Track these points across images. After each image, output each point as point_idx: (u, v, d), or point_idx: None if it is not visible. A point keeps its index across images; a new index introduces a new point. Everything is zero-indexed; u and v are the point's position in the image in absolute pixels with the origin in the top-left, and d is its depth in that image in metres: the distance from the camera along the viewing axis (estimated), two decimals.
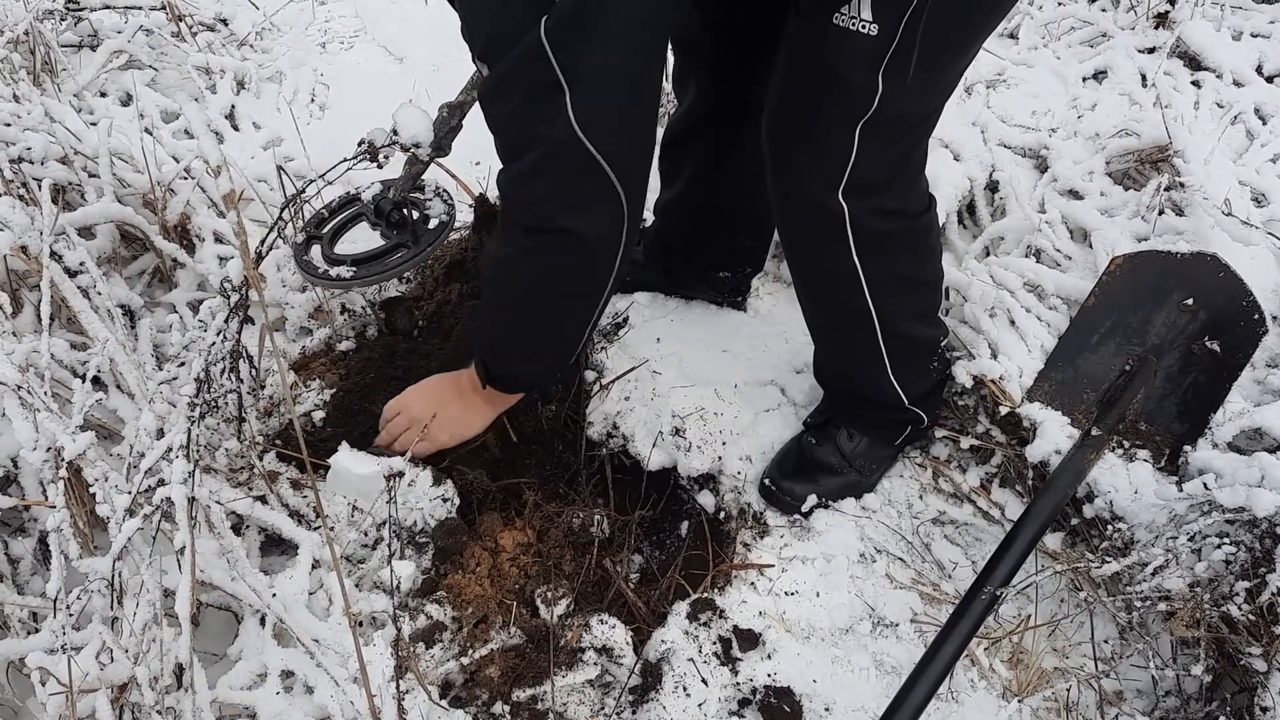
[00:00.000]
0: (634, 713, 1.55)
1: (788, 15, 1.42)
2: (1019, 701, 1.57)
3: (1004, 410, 1.83)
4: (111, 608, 1.33)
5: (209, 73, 2.78)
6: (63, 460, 1.40)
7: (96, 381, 1.64)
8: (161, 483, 1.38)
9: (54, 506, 1.36)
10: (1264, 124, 2.34)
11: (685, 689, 1.56)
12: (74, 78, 2.51)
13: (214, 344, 1.51)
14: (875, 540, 1.80)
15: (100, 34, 2.79)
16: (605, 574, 1.74)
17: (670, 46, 1.71)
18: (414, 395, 1.74)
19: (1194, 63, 2.57)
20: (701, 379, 2.00)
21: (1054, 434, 1.76)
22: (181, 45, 2.83)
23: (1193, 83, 2.49)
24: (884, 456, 1.87)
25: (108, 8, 2.86)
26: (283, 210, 1.66)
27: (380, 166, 1.64)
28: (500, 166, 1.37)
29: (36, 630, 1.43)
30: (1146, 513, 1.64)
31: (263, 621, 1.48)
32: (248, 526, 1.68)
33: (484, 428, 1.75)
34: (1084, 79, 2.59)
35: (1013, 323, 1.94)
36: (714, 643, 1.62)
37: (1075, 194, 2.21)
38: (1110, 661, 1.64)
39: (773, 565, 1.74)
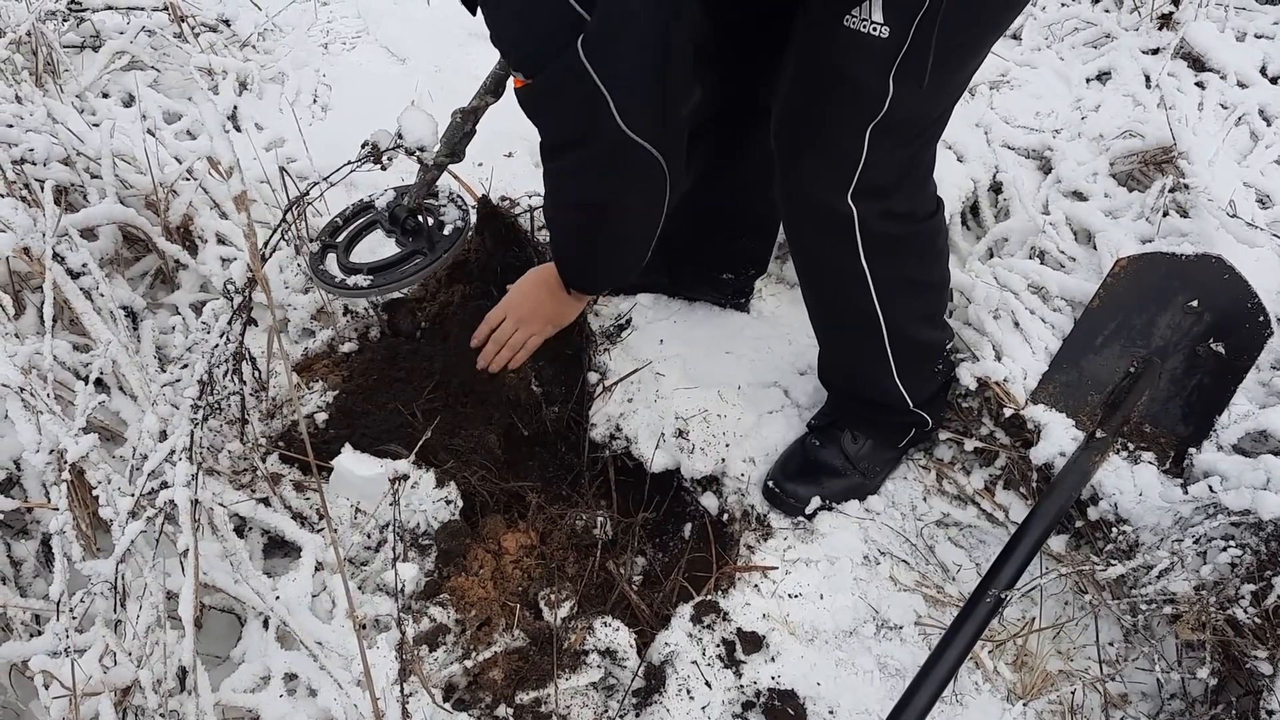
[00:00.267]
0: (637, 715, 1.54)
1: (796, 17, 1.41)
2: (1024, 705, 1.57)
3: (1008, 412, 1.83)
4: (115, 610, 1.33)
5: (211, 73, 2.78)
6: (65, 463, 1.40)
7: (99, 383, 1.64)
8: (164, 485, 1.38)
9: (57, 509, 1.36)
10: (1268, 125, 2.34)
11: (689, 692, 1.55)
12: (76, 79, 2.51)
13: (217, 346, 1.50)
14: (879, 542, 1.80)
15: (102, 35, 2.79)
16: (608, 576, 1.74)
17: None
18: (517, 298, 1.84)
19: (1198, 64, 2.56)
20: (705, 380, 1.99)
21: (1058, 436, 1.76)
22: (184, 46, 2.83)
23: (1197, 84, 2.49)
24: (888, 459, 1.87)
25: (110, 8, 2.86)
26: (286, 212, 1.66)
27: (384, 169, 1.64)
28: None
29: (39, 633, 1.42)
30: (1151, 515, 1.64)
31: (266, 624, 1.48)
32: (250, 529, 1.67)
33: (576, 313, 1.87)
34: (1087, 80, 2.59)
35: (1017, 324, 1.94)
36: (718, 645, 1.61)
37: (1079, 195, 2.20)
38: (1115, 664, 1.63)
39: (776, 567, 1.74)
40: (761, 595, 1.70)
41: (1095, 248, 2.04)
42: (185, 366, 1.64)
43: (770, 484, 1.82)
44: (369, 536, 1.70)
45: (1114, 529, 1.66)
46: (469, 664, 1.53)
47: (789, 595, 1.70)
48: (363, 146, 1.63)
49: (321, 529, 1.70)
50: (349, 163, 1.63)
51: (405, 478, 1.67)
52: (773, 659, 1.60)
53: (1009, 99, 2.53)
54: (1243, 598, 1.47)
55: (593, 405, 1.97)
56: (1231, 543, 1.50)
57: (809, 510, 1.80)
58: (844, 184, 1.43)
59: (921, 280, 1.66)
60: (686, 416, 1.93)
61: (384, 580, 1.62)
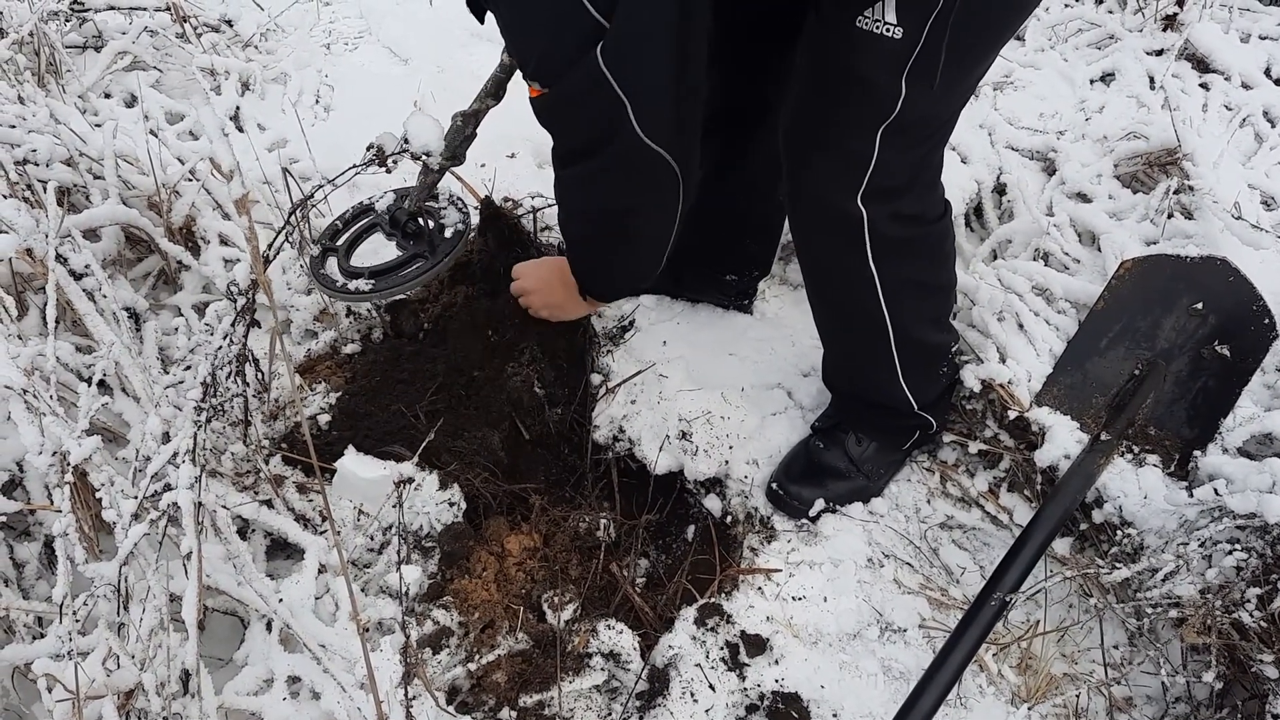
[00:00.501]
0: (641, 718, 1.54)
1: (806, 18, 1.41)
2: (1028, 708, 1.56)
3: (1012, 414, 1.82)
4: (118, 613, 1.32)
5: (214, 74, 2.77)
6: (68, 465, 1.39)
7: (102, 385, 1.64)
8: (168, 487, 1.38)
9: (60, 511, 1.36)
10: (1273, 127, 2.34)
11: (693, 695, 1.55)
12: (78, 79, 2.50)
13: (220, 348, 1.50)
14: (883, 545, 1.79)
15: (105, 35, 2.79)
16: (612, 579, 1.73)
17: None
18: (533, 269, 1.87)
19: (1202, 65, 2.56)
20: (708, 382, 1.99)
21: (1063, 438, 1.76)
22: (186, 46, 2.82)
23: (1201, 85, 2.49)
24: (892, 461, 1.86)
25: (112, 9, 2.85)
26: (291, 214, 1.65)
27: (389, 171, 1.64)
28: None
29: (41, 635, 1.42)
30: (1156, 518, 1.63)
31: (269, 627, 1.48)
32: (253, 530, 1.67)
33: (580, 315, 1.90)
34: (1091, 81, 2.59)
35: (1021, 326, 1.94)
36: (721, 648, 1.61)
37: (1083, 197, 2.20)
38: (1120, 668, 1.63)
39: (780, 570, 1.73)
40: (765, 598, 1.70)
41: (1100, 249, 2.04)
42: (188, 368, 1.64)
43: (774, 486, 1.81)
44: (371, 538, 1.70)
45: (1119, 532, 1.66)
46: (472, 667, 1.53)
47: (793, 598, 1.70)
48: (368, 149, 1.62)
49: (324, 531, 1.70)
50: (354, 165, 1.62)
51: (410, 481, 1.66)
52: (776, 662, 1.60)
53: (1013, 100, 2.53)
54: (1248, 601, 1.47)
55: (596, 407, 1.97)
56: (1237, 546, 1.49)
57: (813, 512, 1.79)
58: (854, 186, 1.43)
59: (929, 283, 1.66)
60: (690, 418, 1.92)
61: (387, 582, 1.62)
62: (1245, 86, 2.47)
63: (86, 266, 1.75)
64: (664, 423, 1.92)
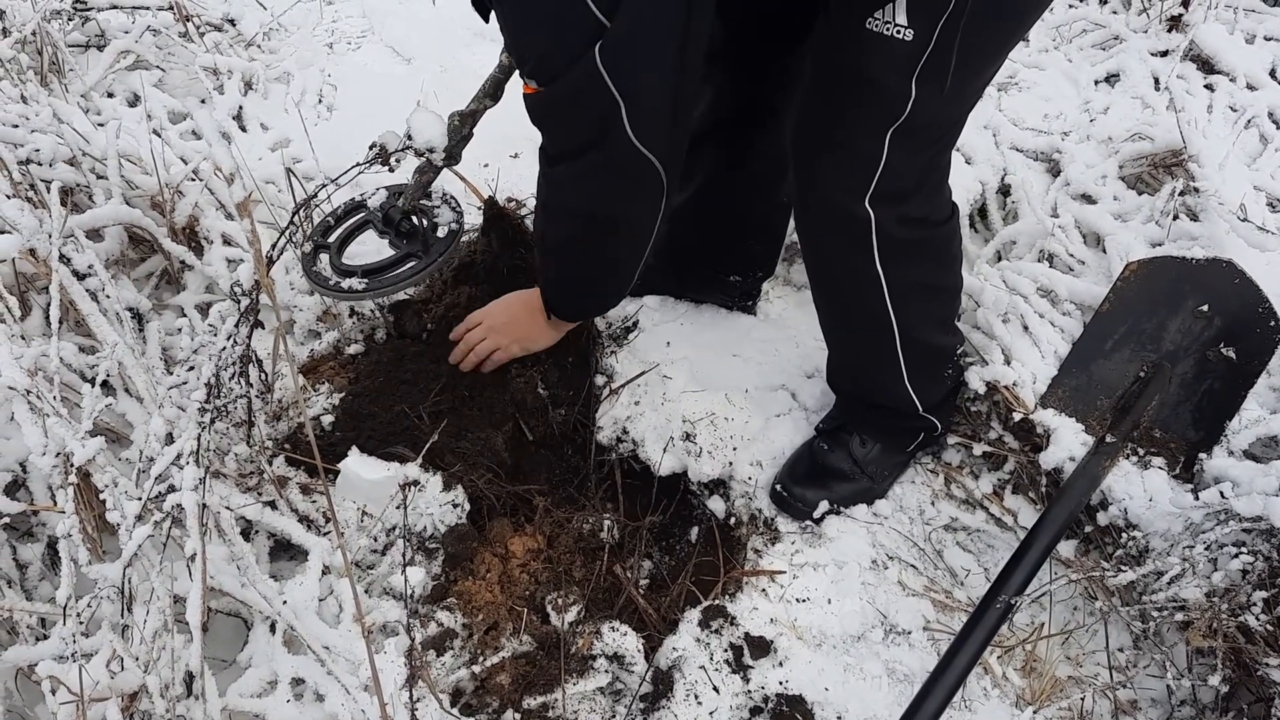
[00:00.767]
0: None
1: (815, 20, 1.40)
2: (1033, 711, 1.56)
3: (1017, 416, 1.82)
4: (122, 615, 1.32)
5: (216, 73, 2.77)
6: (72, 466, 1.39)
7: (105, 385, 1.63)
8: (171, 488, 1.37)
9: (63, 512, 1.35)
10: (1278, 128, 2.33)
11: (697, 697, 1.55)
12: (81, 78, 2.50)
13: (224, 349, 1.50)
14: (887, 547, 1.79)
15: (107, 34, 2.79)
16: (616, 580, 1.73)
17: None
18: (496, 308, 1.86)
19: (1207, 66, 2.55)
20: (712, 383, 1.98)
21: (1068, 441, 1.75)
22: (189, 46, 2.82)
23: (1206, 86, 2.48)
24: (896, 463, 1.86)
25: (115, 8, 2.85)
26: (294, 215, 1.65)
27: (392, 170, 1.63)
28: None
29: (45, 636, 1.42)
30: (1162, 521, 1.63)
31: (273, 628, 1.47)
32: (256, 532, 1.67)
33: (550, 343, 1.86)
34: (1096, 82, 2.58)
35: (1026, 328, 1.93)
36: (725, 650, 1.61)
37: (1088, 198, 2.19)
38: (1125, 671, 1.63)
39: (784, 571, 1.73)
40: (769, 600, 1.69)
41: (1104, 251, 2.04)
42: (191, 369, 1.64)
43: (778, 488, 1.81)
44: (375, 540, 1.70)
45: (1124, 534, 1.66)
46: (476, 669, 1.53)
47: (797, 600, 1.70)
48: (371, 148, 1.62)
49: (328, 532, 1.69)
50: (357, 164, 1.62)
51: (416, 483, 1.66)
52: (780, 664, 1.60)
53: (1017, 101, 2.52)
54: (1254, 604, 1.47)
55: (599, 408, 1.96)
56: (1243, 549, 1.49)
57: (817, 514, 1.79)
58: (862, 188, 1.42)
59: (936, 285, 1.66)
60: (694, 419, 1.92)
61: (390, 584, 1.61)
62: (1250, 88, 2.47)
63: (90, 267, 1.75)
64: (668, 424, 1.91)
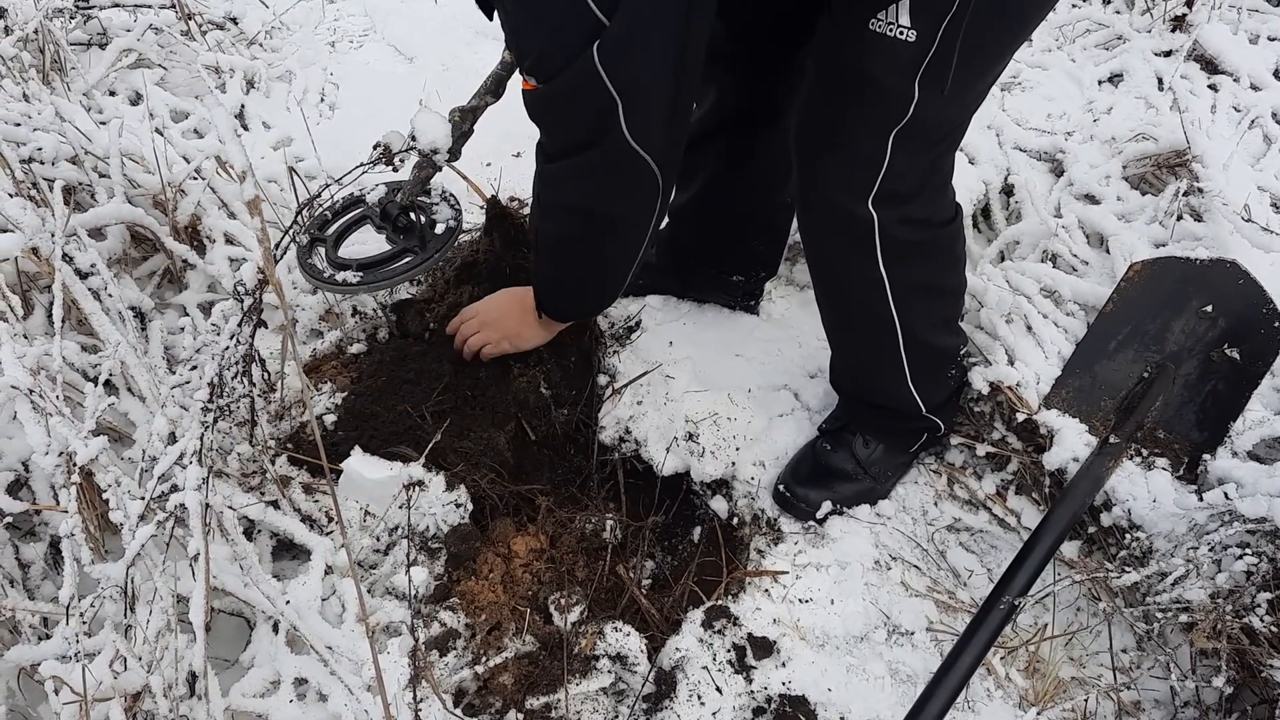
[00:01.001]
0: None
1: (818, 21, 1.40)
2: (1037, 712, 1.56)
3: (1020, 417, 1.82)
4: (124, 615, 1.32)
5: (219, 72, 2.77)
6: (75, 465, 1.39)
7: (108, 385, 1.63)
8: (174, 488, 1.37)
9: (66, 511, 1.35)
10: None
11: (700, 697, 1.55)
12: (83, 76, 2.50)
13: (227, 348, 1.49)
14: (890, 547, 1.79)
15: (109, 32, 2.78)
16: (618, 580, 1.73)
17: None
18: (488, 303, 1.87)
19: (1211, 66, 2.55)
20: (715, 383, 1.98)
21: (1071, 441, 1.75)
22: (191, 44, 2.82)
23: (1210, 86, 2.47)
24: (899, 463, 1.86)
25: (117, 5, 2.85)
26: (298, 214, 1.65)
27: (395, 170, 1.63)
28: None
29: (47, 636, 1.41)
30: (1165, 522, 1.62)
31: (275, 628, 1.47)
32: (259, 531, 1.67)
33: (540, 342, 1.86)
34: (1100, 82, 2.58)
35: (1030, 329, 1.93)
36: (728, 650, 1.60)
37: (1092, 198, 2.19)
38: (1128, 672, 1.63)
39: (787, 572, 1.73)
40: (772, 600, 1.69)
41: (1108, 251, 2.03)
42: (194, 368, 1.63)
43: (781, 488, 1.81)
44: (377, 539, 1.70)
45: (1127, 535, 1.65)
46: (479, 669, 1.52)
47: (799, 600, 1.69)
48: (374, 148, 1.61)
49: (331, 532, 1.69)
50: (361, 164, 1.61)
51: (420, 484, 1.66)
52: (783, 664, 1.60)
53: (1020, 101, 2.52)
54: (1259, 606, 1.47)
55: (602, 408, 1.96)
56: (1247, 550, 1.49)
57: (820, 515, 1.79)
58: (865, 189, 1.42)
59: (939, 286, 1.65)
60: (696, 419, 1.92)
61: (393, 584, 1.61)
62: (1254, 88, 2.46)
63: (92, 265, 1.75)
64: (670, 424, 1.91)
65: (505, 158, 2.53)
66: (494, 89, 1.71)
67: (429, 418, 1.80)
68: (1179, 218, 2.03)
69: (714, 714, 1.53)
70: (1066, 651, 1.66)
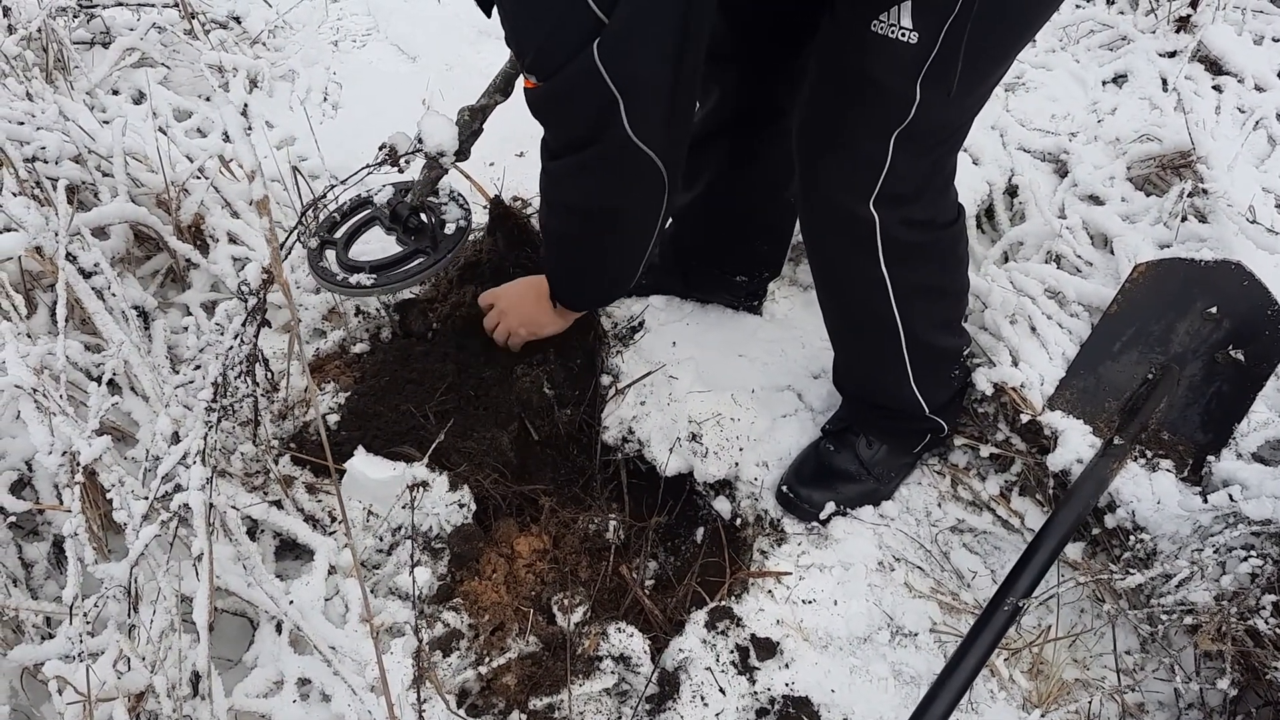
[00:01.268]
0: None
1: (820, 22, 1.40)
2: (1040, 714, 1.55)
3: (1024, 418, 1.81)
4: (128, 615, 1.32)
5: (222, 71, 2.77)
6: (78, 465, 1.39)
7: (111, 384, 1.63)
8: (178, 488, 1.37)
9: (69, 511, 1.35)
10: None
11: (703, 698, 1.54)
12: (86, 75, 2.50)
13: (231, 348, 1.49)
14: (893, 548, 1.79)
15: (112, 31, 2.79)
16: (621, 581, 1.73)
17: None
18: (507, 291, 1.89)
19: (1215, 67, 2.54)
20: (718, 384, 1.98)
21: (1075, 443, 1.75)
22: (194, 43, 2.82)
23: (1214, 87, 2.47)
24: (903, 464, 1.85)
25: (120, 4, 2.85)
26: (303, 214, 1.65)
27: (400, 171, 1.63)
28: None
29: (51, 636, 1.41)
30: (1170, 524, 1.62)
31: (279, 628, 1.47)
32: (262, 531, 1.67)
33: (557, 329, 1.88)
34: (1104, 83, 2.57)
35: (1033, 330, 1.92)
36: (731, 651, 1.60)
37: (1096, 199, 2.18)
38: (1132, 674, 1.62)
39: (790, 573, 1.73)
40: (775, 601, 1.69)
41: (1112, 252, 2.03)
42: (198, 368, 1.63)
43: (784, 488, 1.80)
44: (381, 540, 1.69)
45: (1132, 537, 1.65)
46: (482, 669, 1.52)
47: (803, 601, 1.69)
48: (380, 149, 1.61)
49: (334, 532, 1.69)
50: (366, 165, 1.61)
51: (425, 484, 1.65)
52: (786, 665, 1.59)
53: (1024, 101, 2.51)
54: (1263, 608, 1.46)
55: (605, 408, 1.96)
56: (1252, 552, 1.49)
57: (823, 515, 1.79)
58: (866, 190, 1.42)
59: (942, 287, 1.65)
60: (700, 420, 1.92)
61: (396, 584, 1.61)
62: (1259, 89, 2.46)
63: (95, 265, 1.75)
64: (674, 424, 1.91)
65: (508, 157, 2.53)
66: (503, 87, 1.71)
67: (432, 417, 1.80)
68: (1183, 219, 2.03)
69: (717, 715, 1.53)
70: (1070, 653, 1.66)
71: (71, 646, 1.25)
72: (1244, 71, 2.48)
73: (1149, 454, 1.74)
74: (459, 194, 1.86)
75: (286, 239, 1.64)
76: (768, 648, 1.61)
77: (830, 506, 1.78)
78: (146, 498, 1.36)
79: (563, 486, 1.90)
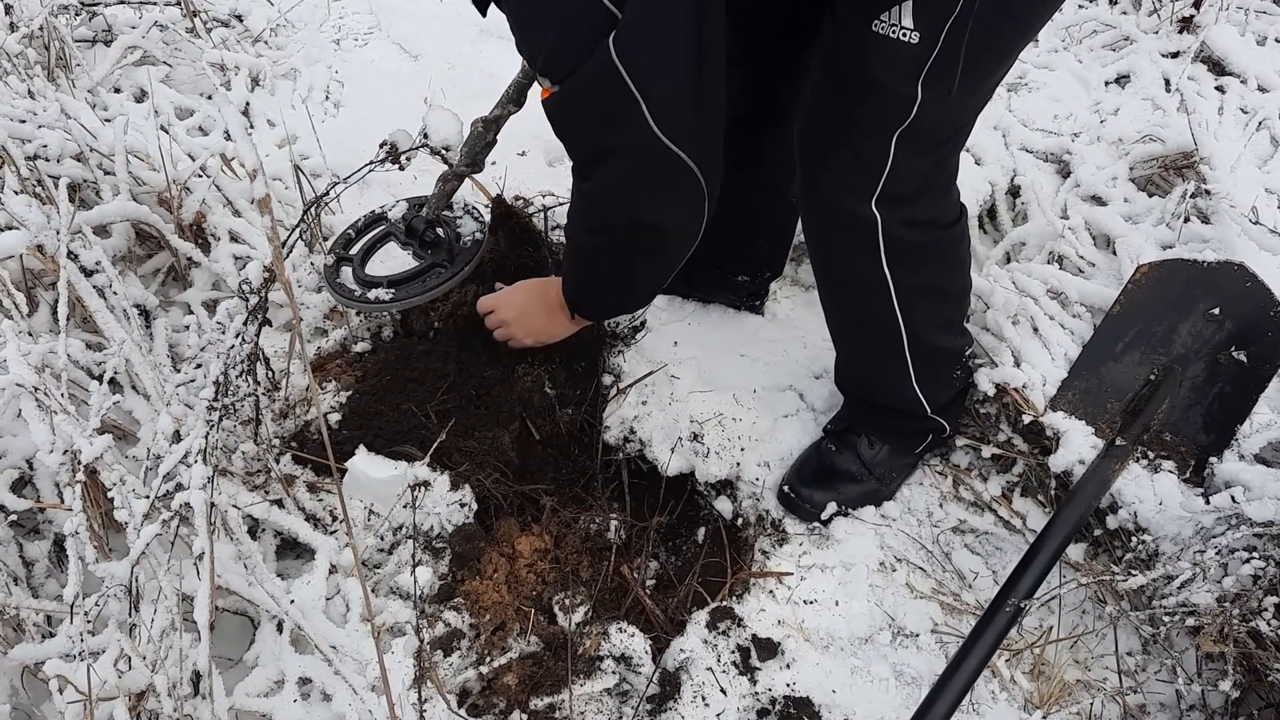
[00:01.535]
0: None
1: (822, 22, 1.40)
2: (1042, 715, 1.55)
3: (1026, 419, 1.81)
4: (129, 614, 1.32)
5: (224, 69, 2.77)
6: (79, 463, 1.39)
7: (113, 383, 1.63)
8: (179, 487, 1.37)
9: (70, 510, 1.35)
10: None
11: (704, 698, 1.54)
12: (88, 74, 2.50)
13: (232, 346, 1.49)
14: (895, 549, 1.78)
15: (114, 29, 2.79)
16: (623, 581, 1.73)
17: None
18: (508, 298, 1.81)
19: (1218, 68, 2.54)
20: (719, 383, 1.98)
21: (1077, 443, 1.74)
22: (196, 41, 2.81)
23: (1217, 88, 2.47)
24: (904, 464, 1.85)
25: (122, 2, 2.85)
26: (305, 213, 1.65)
27: (401, 169, 1.63)
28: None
29: (51, 635, 1.41)
30: (1172, 525, 1.62)
31: (280, 627, 1.47)
32: (263, 530, 1.66)
33: (564, 336, 1.81)
34: (1106, 83, 2.57)
35: (1036, 330, 1.92)
36: (732, 652, 1.60)
37: (1098, 200, 2.18)
38: (1134, 675, 1.62)
39: (791, 573, 1.73)
40: (776, 601, 1.69)
41: (1115, 253, 2.03)
42: (199, 366, 1.63)
43: (786, 489, 1.80)
44: (382, 539, 1.69)
45: (1133, 538, 1.65)
46: (483, 669, 1.52)
47: (804, 601, 1.69)
48: (381, 146, 1.61)
49: (335, 531, 1.69)
50: (369, 163, 1.61)
51: (426, 484, 1.65)
52: (788, 666, 1.59)
53: (1027, 101, 2.51)
54: (1265, 610, 1.46)
55: (607, 407, 1.96)
56: (1254, 554, 1.49)
57: (825, 516, 1.78)
58: (868, 190, 1.42)
59: (944, 287, 1.65)
60: (701, 420, 1.92)
61: (397, 583, 1.61)
62: (1262, 89, 2.46)
63: (97, 263, 1.75)
64: (675, 424, 1.91)
65: (509, 157, 2.53)
66: (516, 98, 1.71)
67: (433, 417, 1.80)
68: (1186, 219, 2.03)
69: (718, 715, 1.53)
70: (1072, 654, 1.66)
71: (72, 645, 1.25)
72: (1247, 72, 2.48)
73: (1151, 455, 1.74)
74: (474, 207, 1.88)
75: (288, 237, 1.64)
76: (769, 648, 1.60)
77: (832, 507, 1.78)
78: (147, 496, 1.36)
79: (564, 486, 1.90)
